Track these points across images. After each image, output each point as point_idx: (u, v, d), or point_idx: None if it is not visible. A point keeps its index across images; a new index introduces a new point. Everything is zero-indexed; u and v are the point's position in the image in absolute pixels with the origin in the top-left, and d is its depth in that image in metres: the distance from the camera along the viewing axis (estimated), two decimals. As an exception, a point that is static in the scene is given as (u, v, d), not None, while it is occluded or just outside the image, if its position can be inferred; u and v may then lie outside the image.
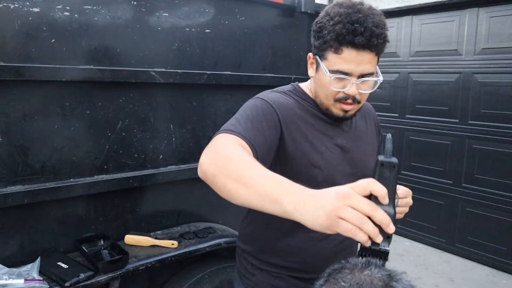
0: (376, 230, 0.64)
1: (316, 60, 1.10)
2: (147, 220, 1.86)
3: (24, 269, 1.45)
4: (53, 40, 1.51)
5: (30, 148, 1.50)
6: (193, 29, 1.86)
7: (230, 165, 0.80)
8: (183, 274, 1.84)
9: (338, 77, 1.05)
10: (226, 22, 1.98)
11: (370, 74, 1.05)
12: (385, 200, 0.67)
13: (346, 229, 0.63)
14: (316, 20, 1.10)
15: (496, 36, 3.30)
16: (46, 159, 1.54)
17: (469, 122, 3.53)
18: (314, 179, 1.10)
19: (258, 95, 1.14)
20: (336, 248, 1.16)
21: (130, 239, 1.72)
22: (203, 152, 0.90)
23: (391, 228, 0.65)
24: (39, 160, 1.53)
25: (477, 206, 3.55)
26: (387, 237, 0.66)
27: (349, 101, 1.08)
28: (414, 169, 3.98)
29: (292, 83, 1.24)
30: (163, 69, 1.77)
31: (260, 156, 0.95)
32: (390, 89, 4.08)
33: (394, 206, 0.68)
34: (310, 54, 1.14)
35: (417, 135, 3.92)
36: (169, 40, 1.80)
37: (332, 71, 1.04)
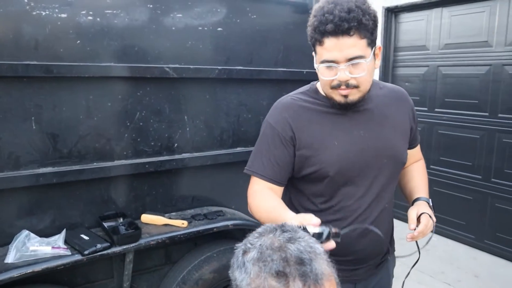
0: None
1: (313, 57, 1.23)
2: (163, 202, 2.05)
3: (52, 239, 1.69)
4: (79, 41, 1.72)
5: (59, 135, 1.74)
6: (205, 28, 2.03)
7: (261, 214, 1.26)
8: (194, 253, 2.02)
9: (326, 66, 1.15)
10: (238, 21, 2.12)
11: (359, 58, 1.12)
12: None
13: None
14: None
15: (528, 27, 3.20)
16: (73, 145, 1.77)
17: (499, 115, 3.45)
18: (326, 173, 1.24)
19: (268, 114, 1.33)
20: (360, 233, 1.28)
21: (145, 218, 1.92)
22: (248, 195, 1.32)
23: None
24: (67, 146, 1.76)
25: (507, 201, 3.47)
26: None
27: (343, 87, 1.16)
28: (443, 163, 3.93)
29: (312, 82, 1.36)
30: (177, 65, 1.95)
31: (282, 180, 1.28)
32: (419, 82, 4.05)
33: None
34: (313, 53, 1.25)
35: (446, 129, 3.87)
36: (183, 38, 1.97)
37: (320, 62, 1.16)
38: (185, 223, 1.90)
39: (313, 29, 1.15)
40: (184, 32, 1.97)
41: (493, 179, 3.55)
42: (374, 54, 1.18)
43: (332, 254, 1.26)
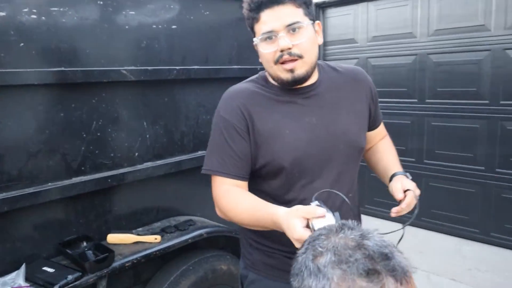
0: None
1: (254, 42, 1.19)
2: (127, 218, 1.87)
3: (9, 277, 1.44)
4: (22, 44, 1.49)
5: (5, 155, 1.49)
6: (160, 26, 1.88)
7: (240, 215, 1.17)
8: (167, 269, 1.87)
9: (265, 37, 1.12)
10: (192, 18, 2.00)
11: (297, 23, 1.11)
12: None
13: None
14: None
15: (448, 17, 3.47)
16: (22, 164, 1.53)
17: (427, 101, 3.72)
18: (280, 165, 1.18)
19: (218, 106, 1.25)
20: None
21: (113, 238, 1.73)
22: (215, 198, 1.21)
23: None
24: (15, 166, 1.51)
25: (439, 180, 3.76)
26: None
27: (286, 57, 1.11)
28: (379, 149, 4.14)
29: (260, 71, 1.29)
30: (133, 67, 1.78)
31: (246, 174, 1.20)
32: (351, 74, 4.21)
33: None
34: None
35: (379, 117, 4.08)
36: (138, 38, 1.81)
37: (259, 37, 1.14)
38: (158, 238, 1.75)
39: (248, 7, 1.14)
40: (138, 31, 1.80)
41: (425, 161, 3.82)
42: (315, 30, 1.18)
43: (290, 250, 1.13)
